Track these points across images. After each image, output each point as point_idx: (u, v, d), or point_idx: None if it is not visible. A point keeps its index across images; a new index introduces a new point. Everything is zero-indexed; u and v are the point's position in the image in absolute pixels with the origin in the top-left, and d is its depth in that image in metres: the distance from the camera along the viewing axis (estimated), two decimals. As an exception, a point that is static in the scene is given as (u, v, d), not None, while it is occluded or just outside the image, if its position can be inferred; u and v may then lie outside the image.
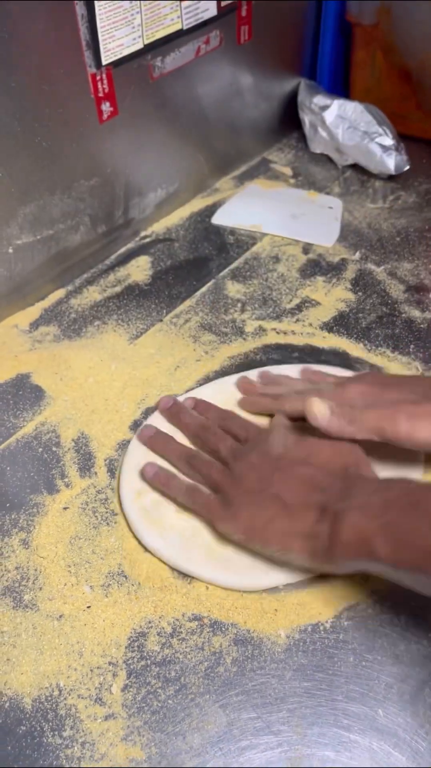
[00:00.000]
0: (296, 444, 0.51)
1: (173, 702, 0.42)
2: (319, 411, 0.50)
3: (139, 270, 0.77)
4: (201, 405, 0.59)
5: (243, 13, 0.81)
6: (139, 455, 0.56)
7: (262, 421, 0.58)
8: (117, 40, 0.67)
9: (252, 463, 0.50)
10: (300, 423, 0.53)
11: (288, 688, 0.43)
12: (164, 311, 0.72)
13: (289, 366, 0.64)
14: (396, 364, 0.65)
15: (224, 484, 0.50)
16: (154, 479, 0.53)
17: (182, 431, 0.57)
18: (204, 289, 0.74)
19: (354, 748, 0.40)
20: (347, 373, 0.62)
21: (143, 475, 0.54)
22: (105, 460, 0.57)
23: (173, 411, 0.58)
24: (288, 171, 0.93)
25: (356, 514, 0.42)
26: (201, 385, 0.63)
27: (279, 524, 0.46)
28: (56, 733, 0.41)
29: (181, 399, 0.60)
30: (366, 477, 0.48)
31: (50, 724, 0.42)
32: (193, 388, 0.63)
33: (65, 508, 0.53)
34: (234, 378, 0.62)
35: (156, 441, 0.56)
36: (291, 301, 0.72)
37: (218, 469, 0.52)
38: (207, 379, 0.64)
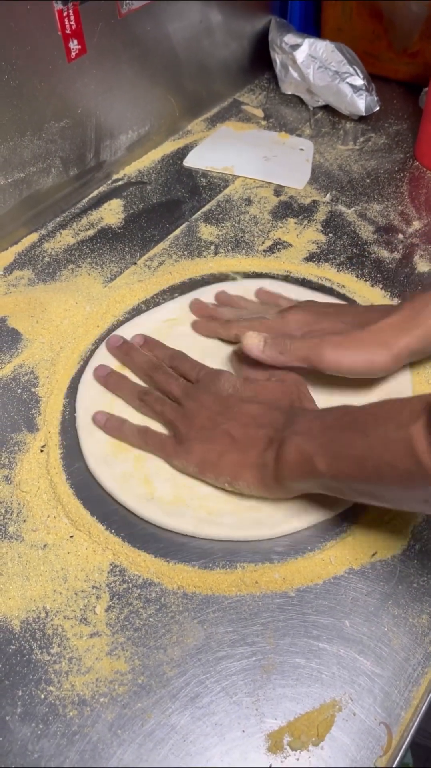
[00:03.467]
0: (244, 384, 0.54)
1: (154, 620, 0.45)
2: (253, 343, 0.55)
3: (112, 213, 0.77)
4: (149, 342, 0.61)
5: None
6: (93, 394, 0.58)
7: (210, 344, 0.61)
8: (83, -26, 0.65)
9: (204, 402, 0.53)
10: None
11: (262, 604, 0.46)
12: (138, 254, 0.72)
13: (248, 281, 0.67)
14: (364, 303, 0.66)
15: (177, 422, 0.53)
16: (105, 426, 0.55)
17: (132, 370, 0.59)
18: (177, 231, 0.75)
19: (323, 655, 0.43)
20: (305, 294, 0.65)
21: (94, 422, 0.56)
22: (83, 400, 0.59)
23: (123, 350, 0.60)
24: (259, 113, 0.92)
25: (298, 438, 0.46)
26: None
27: (229, 457, 0.49)
28: (44, 650, 0.44)
29: (133, 324, 0.63)
30: (307, 408, 0.51)
31: (38, 642, 0.44)
32: (159, 303, 0.66)
33: (43, 447, 0.55)
34: (197, 293, 0.66)
35: (110, 380, 0.58)
36: (263, 243, 0.73)
37: (171, 407, 0.54)
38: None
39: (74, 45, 0.68)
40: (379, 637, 0.44)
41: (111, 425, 0.55)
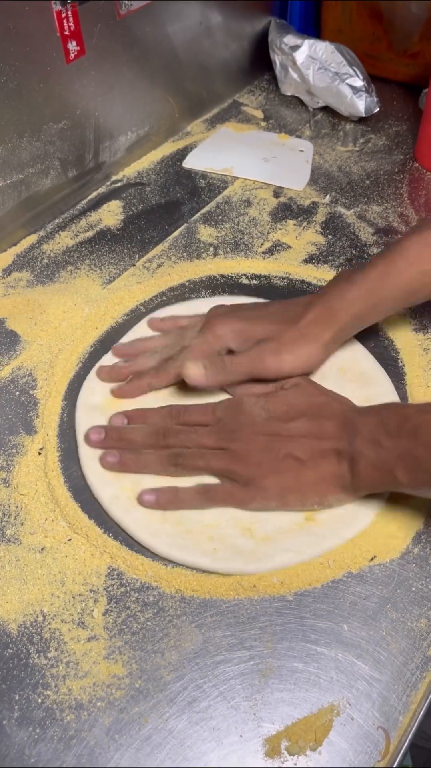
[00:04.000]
0: (269, 403, 0.52)
1: (152, 624, 0.45)
2: (194, 373, 0.54)
3: (111, 215, 0.77)
4: (133, 415, 0.55)
5: None
6: (94, 400, 0.57)
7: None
8: (82, -24, 0.65)
9: (247, 436, 0.50)
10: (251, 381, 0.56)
11: (260, 608, 0.46)
12: (136, 256, 0.72)
13: (171, 308, 0.65)
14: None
15: (233, 466, 0.50)
16: (159, 503, 0.50)
17: (141, 449, 0.53)
18: (176, 233, 0.75)
19: (321, 659, 0.43)
20: (194, 307, 0.64)
21: (141, 502, 0.50)
22: (81, 402, 0.58)
23: (114, 437, 0.54)
24: (259, 114, 0.92)
25: (369, 452, 0.47)
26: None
27: (306, 478, 0.49)
28: (41, 654, 0.44)
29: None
30: (355, 410, 0.51)
31: (35, 646, 0.44)
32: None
33: (41, 449, 0.55)
34: (203, 302, 0.64)
35: (126, 462, 0.52)
36: (263, 244, 0.73)
37: (215, 456, 0.51)
38: (180, 322, 0.65)
39: (73, 46, 0.68)
40: (377, 641, 0.44)
41: (165, 499, 0.50)
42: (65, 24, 0.66)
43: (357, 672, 0.43)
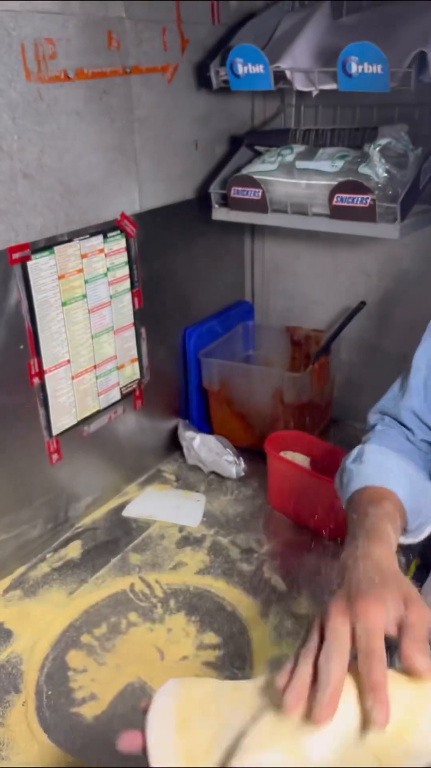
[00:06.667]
0: (349, 616, 0.58)
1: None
2: (423, 666, 0.54)
3: (74, 549, 1.21)
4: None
5: (137, 393, 1.37)
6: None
7: None
8: (62, 420, 1.19)
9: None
10: None
11: None
12: (90, 575, 1.14)
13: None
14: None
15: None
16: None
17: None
18: (115, 559, 1.18)
19: None
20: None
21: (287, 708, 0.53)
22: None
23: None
24: (173, 477, 1.43)
25: None
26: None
27: None
28: None
29: None
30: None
31: None
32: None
33: (24, 703, 0.90)
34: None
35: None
36: (170, 563, 1.16)
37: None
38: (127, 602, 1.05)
39: (55, 457, 1.19)
40: None
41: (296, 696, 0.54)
42: (51, 446, 1.18)
43: None
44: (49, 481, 1.20)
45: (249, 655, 0.97)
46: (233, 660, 0.97)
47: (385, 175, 1.09)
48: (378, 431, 0.94)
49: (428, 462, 0.92)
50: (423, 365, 0.93)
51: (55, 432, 1.18)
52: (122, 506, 1.33)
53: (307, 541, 1.20)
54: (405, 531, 0.82)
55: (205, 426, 1.54)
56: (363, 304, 1.43)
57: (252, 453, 1.47)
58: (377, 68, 1.03)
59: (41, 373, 1.13)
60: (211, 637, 1.01)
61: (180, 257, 1.41)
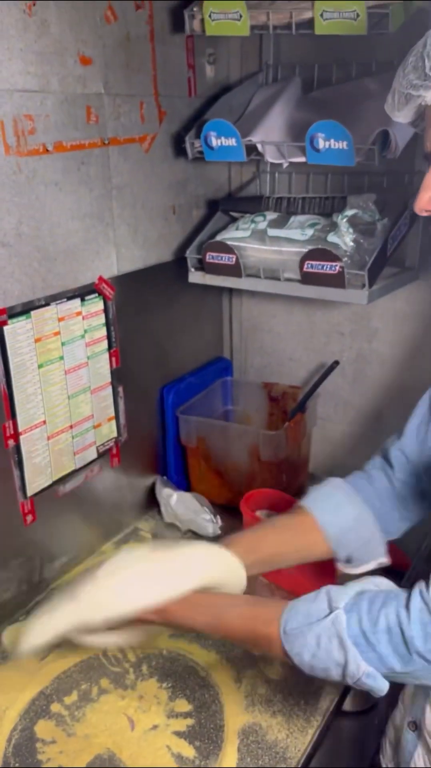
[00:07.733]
0: None
1: None
2: None
3: (48, 612, 1.20)
4: None
5: (114, 451, 1.38)
6: None
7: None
8: (37, 480, 1.19)
9: None
10: None
11: None
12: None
13: None
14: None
15: None
16: None
17: None
18: (89, 622, 1.17)
19: None
20: None
21: None
22: (19, 740, 0.94)
23: None
24: (149, 536, 1.43)
25: None
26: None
27: None
28: None
29: None
30: None
31: None
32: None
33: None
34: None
35: None
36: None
37: None
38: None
39: (29, 518, 1.19)
40: None
41: None
42: (25, 506, 1.18)
43: None
44: (24, 542, 1.20)
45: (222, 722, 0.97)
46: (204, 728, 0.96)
47: (352, 244, 1.13)
48: (359, 472, 1.04)
49: (392, 501, 1.00)
50: (423, 408, 0.99)
51: (29, 493, 1.19)
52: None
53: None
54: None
55: (183, 482, 1.54)
56: (336, 363, 1.46)
57: (230, 510, 1.47)
58: (343, 144, 1.08)
59: (16, 435, 1.14)
60: (182, 705, 1.00)
61: (158, 317, 1.44)
